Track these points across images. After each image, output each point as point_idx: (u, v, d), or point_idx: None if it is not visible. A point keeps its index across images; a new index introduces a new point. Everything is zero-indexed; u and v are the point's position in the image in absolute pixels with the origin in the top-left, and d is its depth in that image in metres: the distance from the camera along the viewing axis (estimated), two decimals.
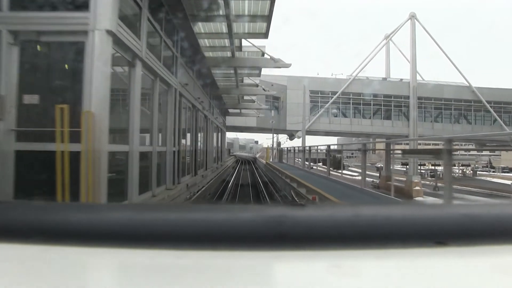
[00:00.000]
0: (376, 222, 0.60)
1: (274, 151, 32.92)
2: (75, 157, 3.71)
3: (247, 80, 16.06)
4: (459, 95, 32.39)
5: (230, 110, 23.52)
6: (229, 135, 50.36)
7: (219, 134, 20.72)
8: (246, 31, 9.33)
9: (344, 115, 32.85)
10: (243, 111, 24.28)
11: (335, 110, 32.32)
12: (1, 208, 0.69)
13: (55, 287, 0.46)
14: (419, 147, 33.24)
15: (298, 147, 20.54)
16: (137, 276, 0.50)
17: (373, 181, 11.71)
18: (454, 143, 5.16)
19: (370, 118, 32.79)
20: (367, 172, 8.62)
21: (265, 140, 64.29)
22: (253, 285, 0.47)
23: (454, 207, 0.81)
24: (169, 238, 0.56)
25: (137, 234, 0.57)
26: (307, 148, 15.65)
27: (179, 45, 8.13)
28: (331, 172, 11.40)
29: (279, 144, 34.79)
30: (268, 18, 8.25)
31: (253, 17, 8.23)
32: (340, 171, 13.20)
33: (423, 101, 32.23)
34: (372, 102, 32.53)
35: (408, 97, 31.72)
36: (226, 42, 9.92)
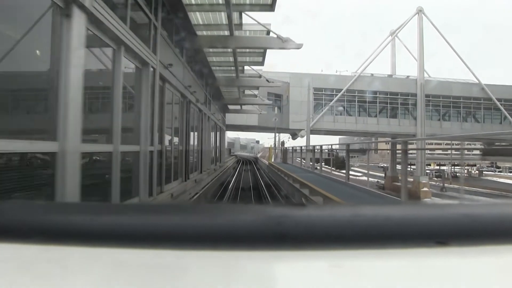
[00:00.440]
0: (376, 222, 0.59)
1: (277, 150, 31.69)
2: None
3: (249, 71, 14.29)
4: (468, 92, 31.01)
5: (230, 107, 21.67)
6: (230, 134, 49.06)
7: (218, 132, 18.84)
8: (248, 2, 7.47)
9: (349, 114, 31.42)
10: (244, 107, 22.40)
11: (340, 108, 30.82)
12: (1, 208, 0.70)
13: (55, 287, 0.46)
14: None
15: (306, 146, 18.74)
16: (137, 276, 0.49)
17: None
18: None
19: (375, 116, 31.28)
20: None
21: (266, 139, 62.50)
22: (253, 285, 0.47)
23: (454, 206, 0.78)
24: (170, 238, 0.56)
25: (137, 234, 0.56)
26: (317, 147, 13.75)
27: (159, 12, 6.20)
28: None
29: (282, 143, 33.35)
30: None
31: None
32: (354, 173, 11.32)
33: (430, 98, 30.84)
34: (378, 100, 31.10)
35: (415, 95, 30.31)
36: (223, 17, 8.04)
